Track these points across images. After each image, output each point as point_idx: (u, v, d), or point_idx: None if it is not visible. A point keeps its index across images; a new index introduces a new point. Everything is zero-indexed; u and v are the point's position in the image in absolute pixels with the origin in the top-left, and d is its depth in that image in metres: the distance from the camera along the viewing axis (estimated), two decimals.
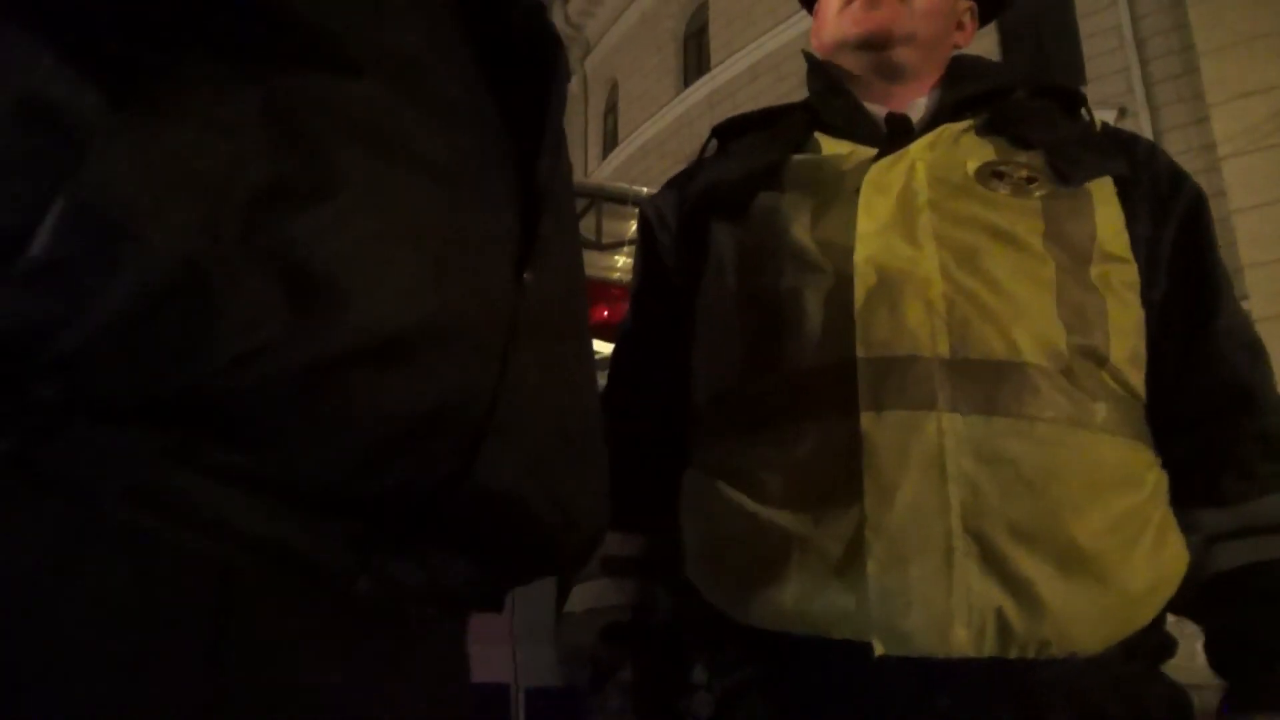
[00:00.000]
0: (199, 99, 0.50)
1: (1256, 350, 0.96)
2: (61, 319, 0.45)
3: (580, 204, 3.27)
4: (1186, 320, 0.95)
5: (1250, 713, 0.86)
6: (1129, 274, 0.93)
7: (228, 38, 0.51)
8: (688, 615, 0.97)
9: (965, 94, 1.03)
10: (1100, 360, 0.88)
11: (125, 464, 0.47)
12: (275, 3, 0.52)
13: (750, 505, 0.88)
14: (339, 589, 0.54)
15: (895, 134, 1.00)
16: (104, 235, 0.45)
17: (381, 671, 0.56)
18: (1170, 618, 0.90)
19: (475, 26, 0.66)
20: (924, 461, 0.82)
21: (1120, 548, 0.83)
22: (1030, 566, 0.80)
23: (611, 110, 15.94)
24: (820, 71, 1.10)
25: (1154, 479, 0.89)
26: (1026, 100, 1.03)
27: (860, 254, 0.89)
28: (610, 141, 15.64)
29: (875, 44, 1.04)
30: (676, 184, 1.13)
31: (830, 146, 1.03)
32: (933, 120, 1.01)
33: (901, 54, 1.04)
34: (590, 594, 1.02)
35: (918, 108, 1.05)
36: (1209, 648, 0.91)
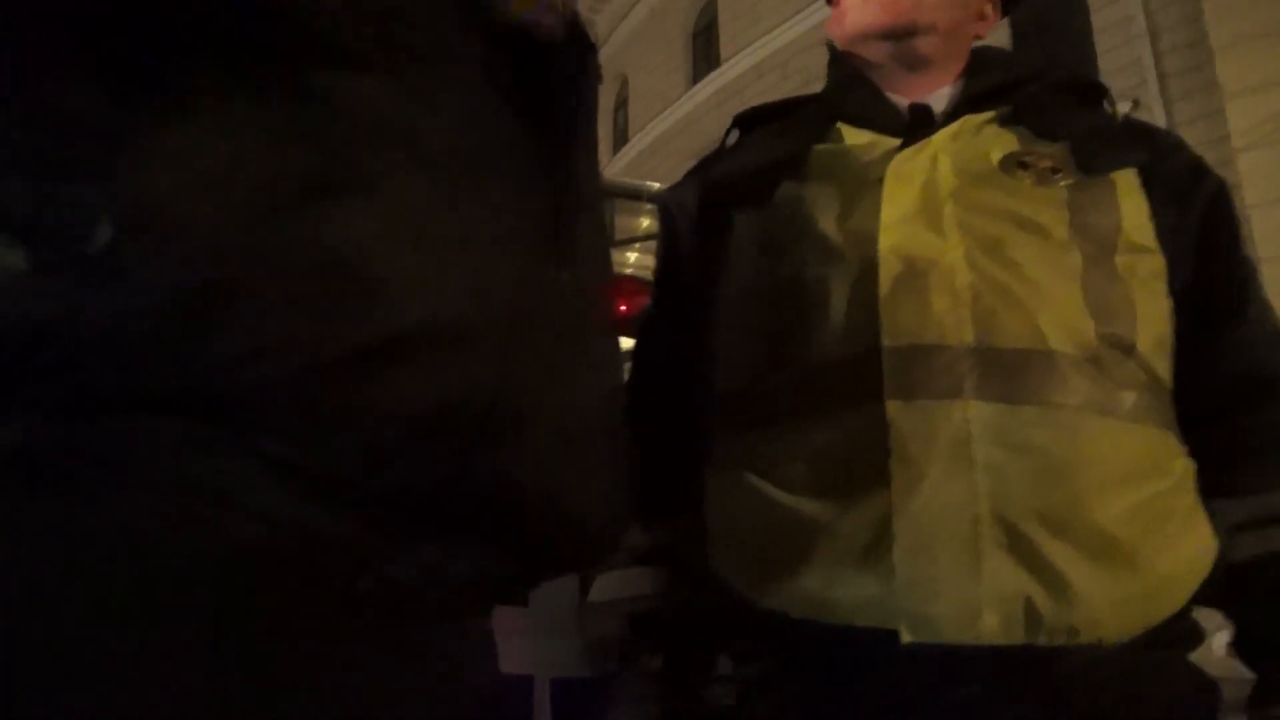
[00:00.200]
0: (218, 101, 0.50)
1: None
2: (97, 312, 0.46)
3: None
4: (1211, 310, 0.95)
5: (1269, 707, 0.86)
6: (1155, 264, 0.93)
7: (241, 40, 0.52)
8: (712, 605, 0.97)
9: (988, 85, 1.03)
10: (1127, 349, 0.88)
11: (187, 455, 0.48)
12: (290, 5, 0.53)
13: (775, 494, 0.88)
14: (339, 588, 0.54)
15: (918, 124, 1.00)
16: (139, 232, 0.47)
17: (380, 669, 0.57)
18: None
19: (501, 27, 0.66)
20: (951, 449, 0.82)
21: (1148, 535, 0.83)
22: (1058, 554, 0.79)
23: (621, 107, 15.93)
24: (842, 61, 1.10)
25: (1181, 467, 0.89)
26: (1048, 92, 1.03)
27: (884, 243, 0.89)
28: (620, 138, 15.64)
29: (897, 33, 1.04)
30: (697, 174, 1.13)
31: (852, 136, 1.03)
32: (955, 111, 1.01)
33: (924, 43, 1.04)
34: (614, 584, 1.03)
35: (940, 98, 1.05)
36: (1237, 640, 0.91)
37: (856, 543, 0.83)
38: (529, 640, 1.29)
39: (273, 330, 0.49)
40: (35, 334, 0.46)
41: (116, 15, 0.50)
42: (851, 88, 1.07)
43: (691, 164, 1.16)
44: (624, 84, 15.86)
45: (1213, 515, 0.90)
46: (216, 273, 0.48)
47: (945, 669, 0.81)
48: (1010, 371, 0.84)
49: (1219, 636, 0.93)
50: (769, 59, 12.31)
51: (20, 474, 0.46)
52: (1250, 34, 7.38)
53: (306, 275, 0.50)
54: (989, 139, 0.97)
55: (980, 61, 1.08)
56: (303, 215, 0.50)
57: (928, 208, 0.91)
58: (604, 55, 0.72)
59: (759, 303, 0.97)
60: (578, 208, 0.65)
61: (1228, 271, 0.96)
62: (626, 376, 1.02)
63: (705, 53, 14.23)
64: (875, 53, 1.06)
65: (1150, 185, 0.95)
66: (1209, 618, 0.91)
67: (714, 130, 1.16)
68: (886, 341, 0.86)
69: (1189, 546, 0.86)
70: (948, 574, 0.79)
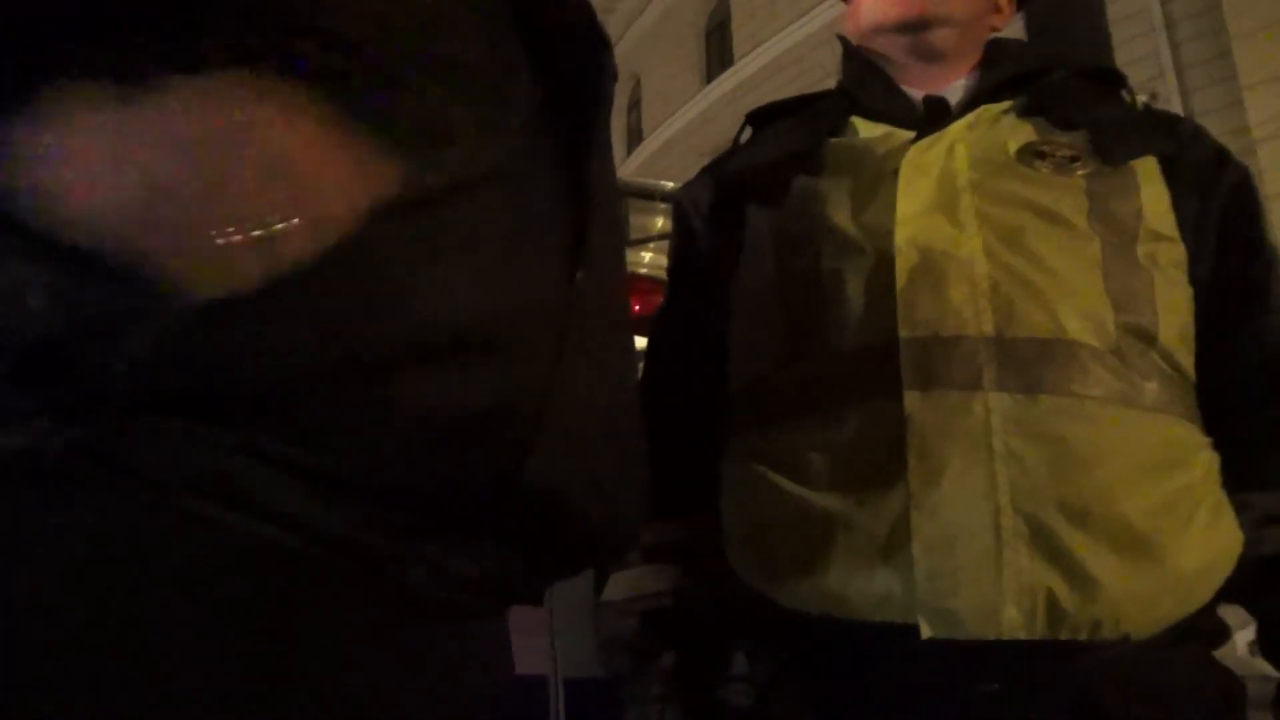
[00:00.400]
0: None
1: None
2: (138, 312, 0.46)
3: None
4: (1235, 299, 0.94)
5: None
6: (1176, 253, 0.92)
7: (278, 58, 0.52)
8: (728, 602, 0.97)
9: (1004, 76, 1.03)
10: (1149, 339, 0.87)
11: (193, 455, 0.48)
12: (329, 22, 0.53)
13: (792, 488, 0.88)
14: (392, 578, 0.54)
15: (933, 116, 1.00)
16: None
17: (435, 658, 0.57)
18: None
19: (525, 24, 0.66)
20: (970, 441, 0.81)
21: (1173, 527, 0.82)
22: (1081, 546, 0.78)
23: (634, 106, 15.96)
24: (856, 56, 1.10)
25: (1205, 459, 0.88)
26: (1066, 82, 1.02)
27: (901, 235, 0.88)
28: (634, 138, 15.68)
29: (912, 26, 1.03)
30: (710, 171, 1.13)
31: (867, 130, 1.02)
32: (971, 102, 1.00)
33: (939, 36, 1.03)
34: (629, 582, 1.02)
35: (955, 90, 1.04)
36: (1261, 635, 0.90)
37: (875, 537, 0.82)
38: (544, 640, 1.29)
39: (307, 331, 0.49)
40: (43, 332, 0.46)
41: (141, 43, 0.50)
42: (866, 82, 1.07)
43: (706, 162, 1.16)
44: (637, 84, 15.89)
45: (1239, 508, 0.88)
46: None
47: (966, 665, 0.80)
48: (1030, 362, 0.83)
49: (1241, 635, 0.92)
50: (784, 55, 12.31)
51: (26, 476, 0.46)
52: (1268, 23, 7.32)
53: (355, 277, 0.50)
54: (1006, 129, 0.96)
55: (996, 53, 1.07)
56: None
57: (945, 199, 0.90)
58: (617, 56, 0.72)
59: (775, 297, 0.96)
60: (594, 205, 0.65)
61: (1251, 261, 0.95)
62: (640, 374, 1.01)
63: (718, 51, 14.24)
64: (890, 46, 1.06)
65: (1171, 174, 0.94)
66: (1231, 615, 0.90)
67: (728, 128, 1.16)
68: (904, 333, 0.85)
69: (1214, 540, 0.85)
70: (968, 567, 0.79)
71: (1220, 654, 0.88)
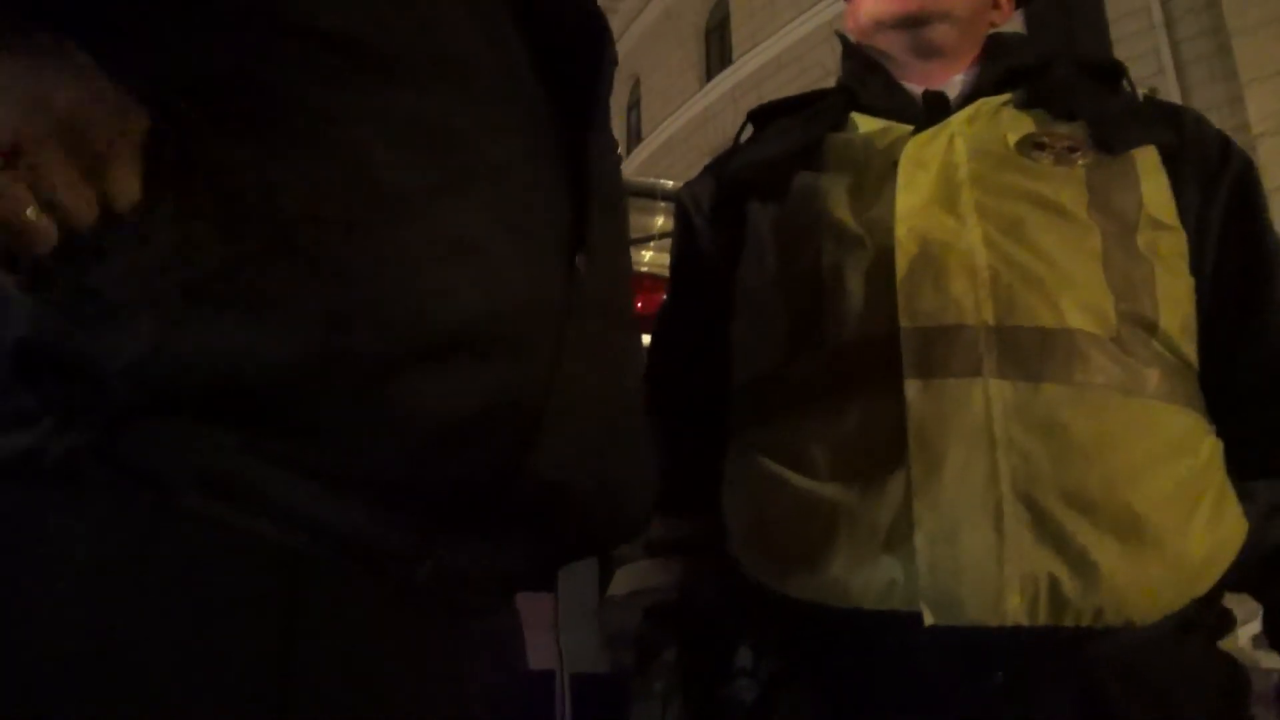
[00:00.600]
0: (260, 116, 0.51)
1: None
2: (136, 282, 0.46)
3: None
4: (1238, 290, 0.94)
5: None
6: (1178, 242, 0.92)
7: (281, 58, 0.52)
8: (732, 596, 0.97)
9: (1003, 69, 1.03)
10: (1150, 328, 0.87)
11: (197, 455, 0.48)
12: (324, 20, 0.53)
13: (795, 480, 0.88)
14: (401, 576, 0.54)
15: (932, 110, 1.00)
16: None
17: (443, 652, 0.57)
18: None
19: (526, 13, 0.66)
20: (971, 429, 0.81)
21: (1177, 514, 0.82)
22: (1084, 533, 0.79)
23: (635, 106, 15.94)
24: (856, 53, 1.10)
25: (1210, 447, 0.88)
26: (1066, 74, 1.02)
27: (901, 228, 0.89)
28: (634, 137, 15.66)
29: (912, 22, 1.03)
30: (712, 170, 1.13)
31: (867, 125, 1.02)
32: (971, 96, 1.00)
33: (938, 31, 1.04)
34: (634, 577, 1.03)
35: (954, 85, 1.04)
36: (1267, 624, 0.90)
37: (878, 526, 0.82)
38: (550, 636, 1.29)
39: (307, 331, 0.49)
40: (52, 332, 0.46)
41: (150, 46, 0.50)
42: (866, 78, 1.07)
43: (706, 161, 1.16)
44: (637, 83, 15.87)
45: (1245, 497, 0.88)
46: (254, 271, 0.48)
47: (970, 655, 0.80)
48: (1031, 351, 0.83)
49: (1244, 629, 0.92)
50: (784, 53, 12.29)
51: (30, 476, 0.46)
52: (1268, 20, 7.31)
53: (353, 280, 0.50)
54: (1006, 121, 0.97)
55: (995, 47, 1.08)
56: (348, 225, 0.51)
57: (944, 191, 0.90)
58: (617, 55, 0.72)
59: (777, 292, 0.97)
60: (594, 192, 0.65)
61: (1254, 252, 0.95)
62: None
63: (718, 50, 14.22)
64: (889, 43, 1.06)
65: (1173, 164, 0.94)
66: (1234, 609, 0.90)
67: (728, 127, 1.16)
68: (905, 323, 0.85)
69: (1218, 527, 0.85)
70: (971, 555, 0.79)
71: (1228, 645, 0.88)
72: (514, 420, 0.55)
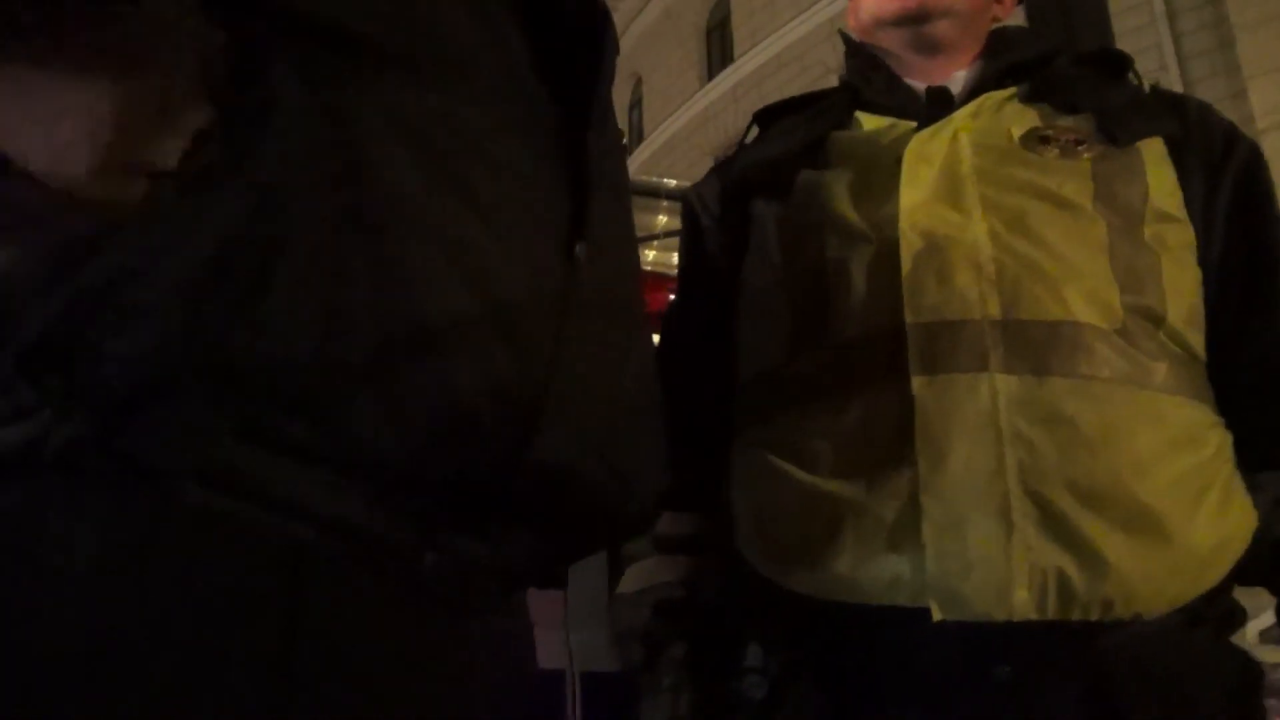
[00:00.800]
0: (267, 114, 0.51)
1: None
2: (135, 272, 0.46)
3: None
4: (1245, 280, 0.93)
5: None
6: (1184, 234, 0.92)
7: (280, 56, 0.52)
8: (740, 592, 0.97)
9: (1006, 64, 1.03)
10: (1157, 320, 0.87)
11: (198, 447, 0.48)
12: (324, 18, 0.53)
13: (802, 475, 0.88)
14: (405, 565, 0.55)
15: (936, 106, 1.00)
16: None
17: (447, 650, 0.57)
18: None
19: (525, 8, 0.66)
20: (977, 423, 0.81)
21: (1184, 506, 0.82)
22: (1092, 525, 0.79)
23: (636, 105, 15.94)
24: (859, 50, 1.10)
25: (1217, 439, 0.88)
26: (1070, 66, 1.02)
27: (905, 223, 0.89)
28: (636, 136, 15.65)
29: (913, 18, 1.03)
30: (718, 170, 1.14)
31: (871, 122, 1.03)
32: (974, 91, 1.01)
33: (940, 27, 1.04)
34: (643, 574, 1.03)
35: (957, 81, 1.04)
36: (1279, 616, 0.90)
37: (884, 521, 0.82)
38: (560, 635, 1.29)
39: (309, 322, 0.49)
40: (51, 325, 0.46)
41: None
42: (869, 75, 1.07)
43: (708, 160, 1.17)
44: (638, 83, 15.88)
45: (1253, 489, 0.88)
46: (254, 262, 0.48)
47: (978, 649, 0.80)
48: (1037, 344, 0.83)
49: (1253, 624, 0.92)
50: (785, 52, 12.28)
51: (30, 469, 0.46)
52: (1272, 14, 7.29)
53: (352, 278, 0.50)
54: (1010, 116, 0.97)
55: (998, 42, 1.07)
56: (350, 211, 0.51)
57: (949, 186, 0.90)
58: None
59: (781, 290, 0.97)
60: (594, 182, 0.65)
61: (1262, 242, 0.94)
62: None
63: (719, 49, 14.22)
64: (891, 40, 1.06)
65: (1179, 155, 0.94)
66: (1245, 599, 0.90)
67: (730, 126, 1.16)
68: (910, 318, 0.85)
69: (1226, 519, 0.85)
70: (978, 549, 0.79)
71: (1237, 639, 0.88)
72: (516, 405, 0.55)
